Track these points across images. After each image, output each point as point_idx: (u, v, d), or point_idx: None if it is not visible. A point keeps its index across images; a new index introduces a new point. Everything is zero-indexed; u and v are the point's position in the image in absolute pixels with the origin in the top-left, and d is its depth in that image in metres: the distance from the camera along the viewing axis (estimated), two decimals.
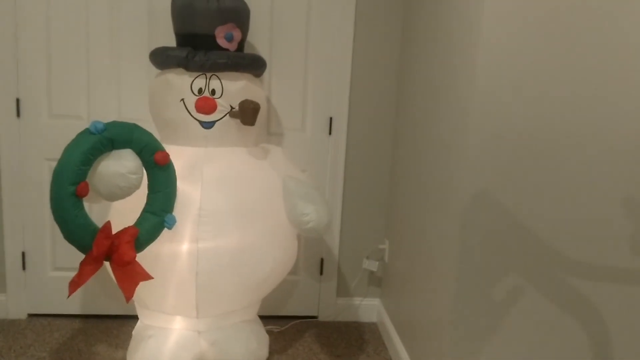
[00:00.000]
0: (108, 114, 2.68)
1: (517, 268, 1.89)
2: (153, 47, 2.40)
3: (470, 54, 1.83)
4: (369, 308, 3.03)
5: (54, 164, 2.26)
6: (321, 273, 2.98)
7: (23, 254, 2.80)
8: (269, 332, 2.52)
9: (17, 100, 2.66)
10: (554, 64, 1.77)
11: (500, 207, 1.84)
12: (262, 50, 2.73)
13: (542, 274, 1.90)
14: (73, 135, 1.85)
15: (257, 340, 2.34)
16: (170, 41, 2.42)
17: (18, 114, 2.67)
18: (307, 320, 2.99)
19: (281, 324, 2.89)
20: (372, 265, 2.94)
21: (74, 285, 1.87)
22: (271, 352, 2.56)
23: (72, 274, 1.89)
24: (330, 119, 2.83)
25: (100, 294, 2.86)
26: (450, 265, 1.95)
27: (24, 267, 2.81)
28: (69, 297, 1.98)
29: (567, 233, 1.88)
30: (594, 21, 1.76)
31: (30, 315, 2.87)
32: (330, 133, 2.84)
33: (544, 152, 1.82)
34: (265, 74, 2.73)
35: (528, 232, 1.87)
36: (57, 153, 1.84)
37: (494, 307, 1.92)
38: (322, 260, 2.97)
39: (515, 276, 1.90)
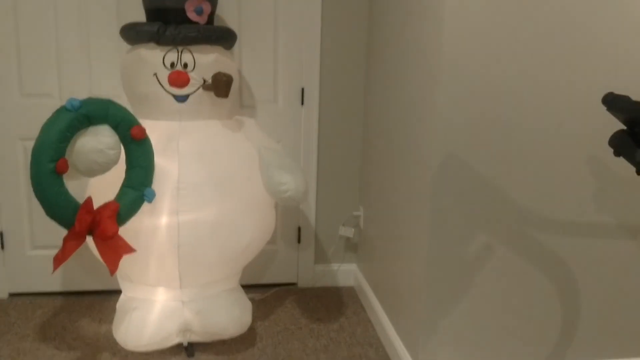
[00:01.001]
0: (79, 91, 2.67)
1: (487, 228, 1.98)
2: (122, 22, 2.39)
3: (437, 17, 1.88)
4: (346, 273, 3.13)
5: (28, 143, 2.28)
6: (299, 241, 3.06)
7: (1, 234, 2.80)
8: (250, 300, 2.59)
9: None
10: (521, 26, 1.84)
11: (469, 169, 1.92)
12: (232, 23, 2.74)
13: (511, 232, 2.00)
14: (45, 114, 1.88)
15: (240, 307, 2.41)
16: (140, 16, 2.42)
17: None
18: (287, 287, 3.07)
19: (262, 292, 2.97)
20: (348, 231, 3.02)
21: (58, 260, 1.91)
22: (254, 319, 2.63)
23: (52, 252, 1.93)
24: (302, 89, 2.87)
25: (80, 270, 2.88)
26: (422, 228, 2.03)
27: (2, 247, 2.82)
28: (53, 272, 2.01)
29: (534, 192, 1.97)
30: None
31: (12, 295, 2.88)
32: (302, 103, 2.89)
33: (510, 114, 1.90)
34: (236, 47, 2.74)
35: (497, 192, 1.96)
36: (31, 132, 1.86)
37: (466, 266, 2.01)
38: (299, 229, 3.04)
39: (485, 235, 1.99)
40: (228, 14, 2.74)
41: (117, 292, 2.49)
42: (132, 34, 2.27)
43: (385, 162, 2.53)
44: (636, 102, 1.44)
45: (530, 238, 2.01)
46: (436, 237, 1.97)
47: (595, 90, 1.91)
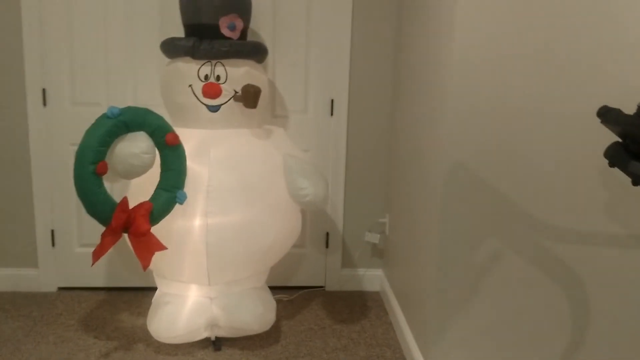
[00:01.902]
0: (124, 101, 2.90)
1: (496, 234, 2.05)
2: (164, 38, 2.59)
3: (449, 32, 1.99)
4: (372, 278, 3.23)
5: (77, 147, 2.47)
6: (327, 246, 3.18)
7: (52, 232, 3.04)
8: (278, 300, 2.72)
9: (43, 91, 2.89)
10: (529, 37, 1.91)
11: (478, 177, 2.00)
12: (266, 38, 2.91)
13: (520, 240, 2.06)
14: (93, 121, 2.07)
15: (264, 305, 2.54)
16: (180, 32, 2.61)
17: (44, 103, 2.90)
18: (315, 290, 3.20)
19: (290, 294, 3.10)
20: (374, 237, 3.13)
21: (96, 254, 2.09)
22: (280, 318, 2.77)
23: None
24: (332, 100, 3.01)
25: (122, 268, 3.10)
26: (432, 235, 2.12)
27: (53, 244, 3.06)
28: (92, 265, 2.20)
29: (544, 200, 2.03)
30: (570, 4, 1.90)
31: (60, 289, 3.12)
32: (331, 114, 3.02)
33: (519, 124, 1.97)
34: (269, 60, 2.92)
35: (505, 200, 2.02)
36: (80, 137, 2.05)
37: (476, 272, 2.08)
38: (327, 234, 3.17)
39: (494, 242, 2.06)
40: (263, 29, 2.91)
41: (155, 289, 2.66)
42: (170, 48, 2.46)
43: (407, 171, 2.63)
44: (627, 115, 1.50)
45: (539, 246, 2.06)
46: (445, 243, 2.06)
47: (605, 99, 1.94)
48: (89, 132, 2.03)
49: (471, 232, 2.05)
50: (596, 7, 1.89)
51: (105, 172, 2.04)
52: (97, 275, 3.10)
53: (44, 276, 3.08)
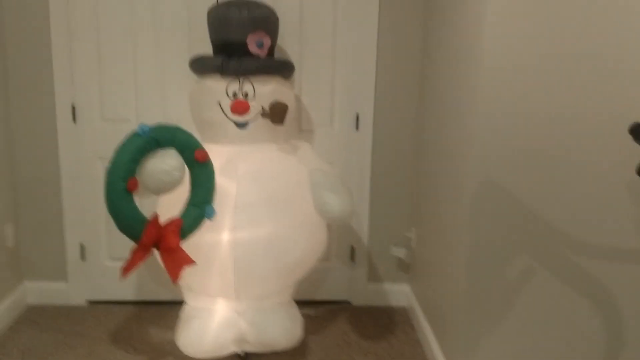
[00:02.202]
0: (154, 117, 2.93)
1: (527, 251, 2.03)
2: (192, 55, 2.64)
3: (476, 50, 1.99)
4: (398, 293, 3.21)
5: (107, 163, 2.52)
6: (352, 260, 3.18)
7: (82, 246, 3.09)
8: (304, 315, 2.72)
9: (73, 107, 2.95)
10: (557, 57, 1.90)
11: (507, 193, 1.99)
12: (292, 54, 2.94)
13: (550, 256, 2.04)
14: (123, 137, 2.10)
15: (292, 320, 2.55)
16: (208, 49, 2.65)
17: (74, 119, 2.96)
18: (340, 305, 3.19)
19: (316, 308, 3.10)
20: (400, 252, 3.11)
21: (126, 269, 2.12)
22: (306, 334, 2.76)
23: None
24: (357, 115, 3.02)
25: (151, 282, 3.13)
26: (462, 249, 2.11)
27: (83, 258, 3.10)
28: (121, 279, 2.23)
29: (573, 216, 2.01)
30: (599, 11, 1.88)
31: (89, 302, 3.15)
32: (357, 128, 3.03)
33: (548, 139, 1.96)
34: (296, 75, 2.94)
35: (535, 216, 2.01)
36: (110, 153, 2.08)
37: (506, 288, 2.07)
38: (352, 248, 3.17)
39: (524, 258, 2.04)
40: (290, 46, 2.94)
41: (183, 302, 2.67)
42: (199, 66, 2.50)
43: (433, 185, 2.62)
44: None
45: (570, 262, 2.04)
46: (476, 258, 2.05)
47: (637, 116, 1.93)
48: (120, 149, 2.06)
49: (502, 247, 2.03)
50: (635, 10, 1.87)
51: (136, 189, 2.07)
52: (126, 288, 3.13)
53: (73, 290, 3.12)
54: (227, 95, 2.44)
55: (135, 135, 2.07)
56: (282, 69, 2.53)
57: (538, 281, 2.06)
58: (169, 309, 3.06)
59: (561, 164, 1.98)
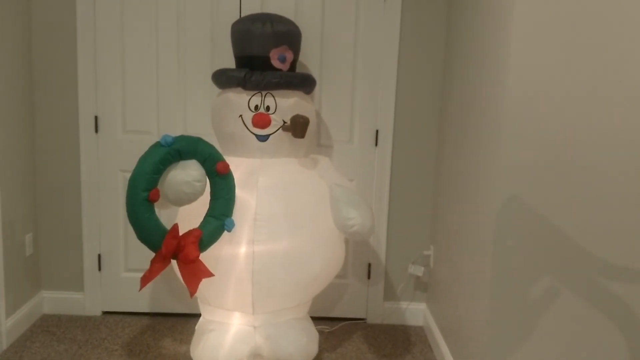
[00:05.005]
0: (175, 130, 2.96)
1: (551, 270, 2.00)
2: (215, 69, 2.66)
3: (502, 67, 1.98)
4: (415, 312, 3.17)
5: (127, 174, 2.56)
6: (369, 277, 3.15)
7: (99, 256, 3.10)
8: (320, 332, 2.70)
9: (96, 118, 2.98)
10: (583, 70, 1.89)
11: (532, 211, 1.97)
12: (314, 69, 2.95)
13: (575, 276, 2.00)
14: (144, 149, 2.11)
15: (308, 336, 2.52)
16: (230, 63, 2.67)
17: (96, 130, 2.99)
18: (356, 322, 3.16)
19: (331, 325, 3.07)
20: (417, 270, 3.09)
21: (145, 280, 2.11)
22: (321, 351, 2.74)
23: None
24: (377, 131, 3.02)
25: (166, 294, 3.12)
26: (485, 269, 2.08)
27: (99, 268, 3.11)
28: (140, 290, 2.23)
29: (601, 237, 1.98)
30: (626, 21, 1.87)
31: (105, 313, 3.16)
32: (376, 145, 3.03)
33: (574, 157, 1.94)
34: (317, 91, 2.95)
35: (560, 234, 1.98)
36: (131, 164, 2.09)
37: (530, 309, 2.03)
38: (369, 265, 3.14)
39: (549, 278, 2.01)
40: (311, 61, 2.95)
41: (198, 315, 2.67)
42: (222, 79, 2.51)
43: (454, 203, 2.60)
44: None
45: (595, 283, 2.01)
46: (499, 278, 2.02)
47: None
48: (143, 160, 2.07)
49: (526, 267, 2.00)
50: None
51: (157, 199, 2.08)
52: (142, 300, 3.13)
53: (89, 300, 3.12)
54: (249, 108, 2.45)
55: (158, 146, 2.08)
56: (304, 83, 2.54)
57: (563, 302, 2.02)
58: (184, 321, 3.05)
59: (588, 182, 1.95)
